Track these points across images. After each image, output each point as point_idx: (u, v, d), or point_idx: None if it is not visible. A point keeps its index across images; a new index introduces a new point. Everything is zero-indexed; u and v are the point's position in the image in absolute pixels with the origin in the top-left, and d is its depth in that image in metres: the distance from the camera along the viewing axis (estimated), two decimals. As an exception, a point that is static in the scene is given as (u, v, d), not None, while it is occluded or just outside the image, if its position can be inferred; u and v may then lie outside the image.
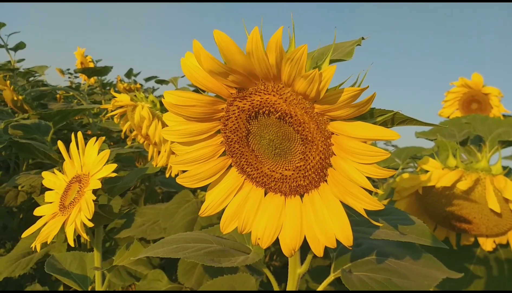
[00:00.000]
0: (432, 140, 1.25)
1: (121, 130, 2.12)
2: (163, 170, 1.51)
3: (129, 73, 3.67)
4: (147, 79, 3.52)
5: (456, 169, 0.91)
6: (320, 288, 0.69)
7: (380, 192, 0.43)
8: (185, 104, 0.49)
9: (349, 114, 0.41)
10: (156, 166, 1.31)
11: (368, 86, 0.38)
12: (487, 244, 1.03)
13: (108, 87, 3.72)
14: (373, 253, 0.72)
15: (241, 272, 1.14)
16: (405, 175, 0.99)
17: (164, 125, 1.20)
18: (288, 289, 0.67)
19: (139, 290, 1.42)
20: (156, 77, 3.42)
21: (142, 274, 1.57)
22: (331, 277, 0.69)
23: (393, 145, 3.04)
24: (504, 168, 0.91)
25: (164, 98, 0.49)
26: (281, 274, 0.78)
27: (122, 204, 1.87)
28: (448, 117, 2.13)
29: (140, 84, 3.56)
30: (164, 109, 1.23)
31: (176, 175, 1.31)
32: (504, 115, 1.93)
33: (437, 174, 0.90)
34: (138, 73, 3.89)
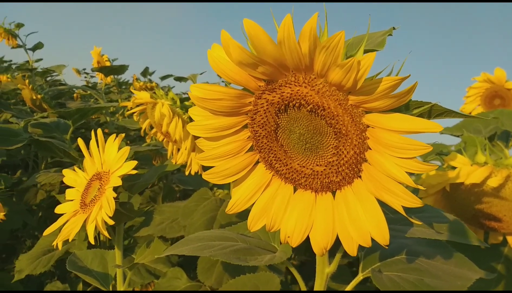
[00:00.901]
0: (457, 136, 1.21)
1: (138, 129, 2.13)
2: (180, 167, 1.50)
3: (145, 72, 3.68)
4: (163, 78, 3.53)
5: (485, 165, 0.88)
6: (348, 288, 0.67)
7: (421, 188, 0.40)
8: (212, 98, 0.47)
9: (387, 106, 0.39)
10: (175, 163, 1.30)
11: (409, 75, 0.35)
12: (517, 243, 1.00)
13: (123, 87, 3.75)
14: (403, 252, 0.69)
15: (261, 271, 1.12)
16: (432, 172, 0.96)
17: (184, 122, 1.19)
18: (315, 289, 0.65)
19: (158, 288, 1.41)
20: (171, 75, 3.43)
21: (161, 272, 1.57)
22: (359, 277, 0.67)
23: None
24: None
25: (190, 92, 0.48)
26: (299, 272, 0.76)
27: (141, 201, 1.87)
28: (470, 113, 2.08)
29: (155, 83, 3.57)
30: (184, 107, 1.22)
31: (196, 173, 1.30)
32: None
33: (466, 171, 0.87)
34: (153, 72, 3.90)
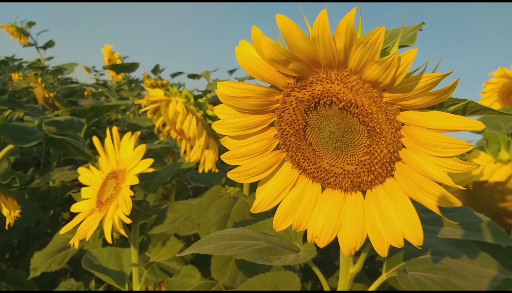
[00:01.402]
0: (478, 133, 1.19)
1: (149, 127, 2.13)
2: (193, 165, 1.50)
3: (155, 70, 3.68)
4: (173, 75, 3.53)
5: (509, 163, 0.86)
6: (372, 288, 0.66)
7: (461, 187, 0.39)
8: (239, 96, 0.46)
9: (425, 104, 0.38)
10: (189, 161, 1.30)
11: (451, 72, 0.34)
12: (539, 242, 0.98)
13: (134, 85, 3.75)
14: (428, 252, 0.68)
15: (275, 270, 1.11)
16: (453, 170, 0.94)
17: (198, 120, 1.19)
18: (339, 289, 0.64)
19: (171, 287, 1.41)
20: (181, 73, 3.43)
21: (174, 270, 1.57)
22: (383, 277, 0.66)
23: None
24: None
25: (217, 89, 0.47)
26: (312, 272, 0.75)
27: (154, 199, 1.87)
28: (489, 115, 2.05)
29: (166, 80, 3.57)
30: (197, 104, 1.21)
31: (209, 170, 1.29)
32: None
33: (490, 168, 0.86)
34: (163, 70, 3.90)
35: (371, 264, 1.69)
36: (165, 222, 1.57)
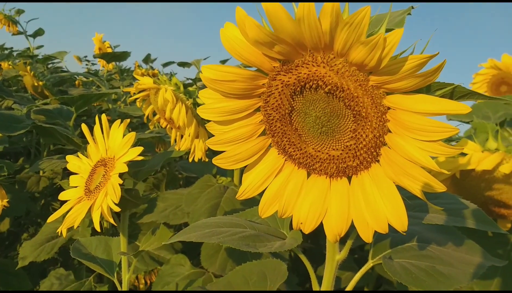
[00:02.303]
0: (467, 122, 1.20)
1: (140, 116, 2.11)
2: (183, 154, 1.49)
3: (146, 59, 3.65)
4: (165, 65, 3.50)
5: (497, 152, 0.87)
6: (357, 276, 0.66)
7: (445, 172, 0.39)
8: (224, 79, 0.45)
9: (411, 86, 0.37)
10: (179, 150, 1.29)
11: (438, 53, 0.34)
12: (525, 231, 0.99)
13: (125, 74, 3.72)
14: (414, 239, 0.68)
15: (265, 258, 1.11)
16: (441, 158, 0.94)
17: (187, 108, 1.18)
18: (325, 276, 0.64)
19: (161, 276, 1.41)
20: (173, 62, 3.40)
21: (165, 259, 1.57)
22: (369, 264, 0.66)
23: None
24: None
25: (202, 73, 0.46)
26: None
27: (144, 189, 1.86)
28: (476, 100, 2.06)
29: (158, 70, 3.54)
30: (187, 92, 1.20)
31: (200, 160, 1.29)
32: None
33: (477, 157, 0.86)
34: (155, 59, 3.87)
35: (361, 252, 1.70)
36: (155, 211, 1.57)
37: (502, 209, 0.93)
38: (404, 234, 0.44)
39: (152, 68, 3.83)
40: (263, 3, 0.37)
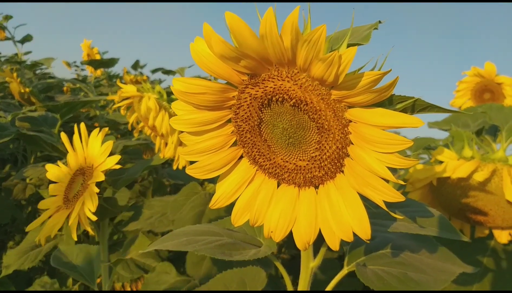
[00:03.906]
0: (446, 130, 1.22)
1: (128, 123, 2.11)
2: (170, 162, 1.49)
3: (135, 65, 3.65)
4: (154, 71, 3.50)
5: (472, 160, 0.89)
6: (333, 282, 0.67)
7: (401, 182, 0.40)
8: (194, 92, 0.47)
9: (369, 101, 0.39)
10: (163, 157, 1.30)
11: (390, 70, 0.35)
12: (502, 237, 1.01)
13: (114, 80, 3.71)
14: (388, 246, 0.70)
15: (250, 265, 1.12)
16: (419, 166, 0.96)
17: (171, 116, 1.18)
18: (300, 282, 0.65)
19: (147, 284, 1.41)
20: (162, 69, 3.41)
21: (150, 267, 1.56)
22: (344, 271, 0.67)
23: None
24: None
25: (172, 85, 0.47)
26: (289, 266, 0.76)
27: (130, 196, 1.86)
28: (460, 107, 2.09)
29: (146, 76, 3.54)
30: (171, 100, 1.21)
31: (184, 167, 1.29)
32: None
33: (453, 165, 0.88)
34: (145, 65, 3.87)
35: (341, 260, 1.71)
36: (140, 219, 1.57)
37: (478, 216, 0.95)
38: (368, 242, 0.45)
39: (141, 74, 3.83)
40: (227, 20, 0.39)
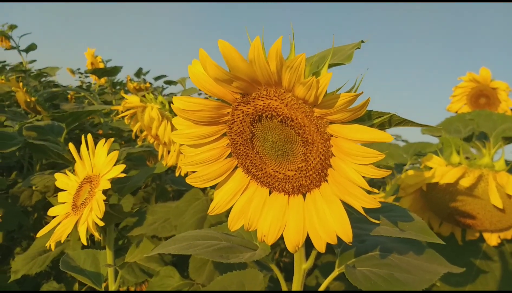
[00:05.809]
0: (437, 136, 1.26)
1: (132, 130, 2.16)
2: (173, 168, 1.54)
3: (138, 73, 3.71)
4: (157, 78, 3.57)
5: (459, 166, 0.93)
6: (324, 283, 0.72)
7: (375, 191, 0.45)
8: (192, 109, 0.52)
9: (346, 118, 0.43)
10: (166, 165, 1.35)
11: (362, 92, 0.40)
12: (492, 239, 1.04)
13: (118, 87, 3.78)
14: (377, 248, 0.74)
15: (250, 268, 1.17)
16: (410, 172, 1.01)
17: (173, 126, 1.23)
18: (294, 283, 0.70)
19: (151, 287, 1.45)
20: (165, 76, 3.47)
21: (154, 271, 1.61)
22: (335, 272, 0.72)
23: (403, 140, 3.05)
24: (508, 163, 0.92)
25: (173, 103, 0.52)
26: (291, 270, 0.81)
27: (134, 202, 1.90)
28: (457, 112, 2.13)
29: (149, 83, 3.60)
30: (172, 110, 1.26)
31: (186, 174, 1.34)
32: (512, 110, 1.93)
33: (441, 171, 0.92)
34: (147, 72, 3.93)
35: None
36: (144, 224, 1.61)
37: (467, 219, 0.99)
38: (350, 244, 0.50)
39: (144, 81, 3.89)
40: (220, 47, 0.43)
